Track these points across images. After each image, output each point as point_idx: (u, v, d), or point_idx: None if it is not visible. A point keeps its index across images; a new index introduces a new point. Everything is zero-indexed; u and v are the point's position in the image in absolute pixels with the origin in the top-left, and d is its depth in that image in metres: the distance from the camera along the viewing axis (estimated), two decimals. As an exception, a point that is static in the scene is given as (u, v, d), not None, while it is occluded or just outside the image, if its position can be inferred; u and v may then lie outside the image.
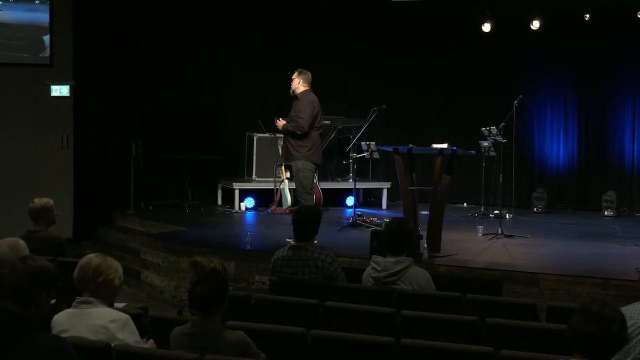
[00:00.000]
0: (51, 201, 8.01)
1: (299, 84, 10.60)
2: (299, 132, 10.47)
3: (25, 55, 13.62)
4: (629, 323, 3.92)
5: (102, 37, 13.75)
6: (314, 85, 10.72)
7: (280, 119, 10.68)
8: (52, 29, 13.56)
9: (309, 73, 10.64)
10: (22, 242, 6.07)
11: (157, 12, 14.05)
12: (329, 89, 14.66)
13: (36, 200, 7.91)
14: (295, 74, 10.63)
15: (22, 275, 4.03)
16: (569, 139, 14.95)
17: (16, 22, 13.52)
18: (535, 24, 13.82)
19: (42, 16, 13.56)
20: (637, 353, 4.59)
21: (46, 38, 13.61)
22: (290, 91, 10.68)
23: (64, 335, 4.58)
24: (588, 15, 13.63)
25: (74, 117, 13.75)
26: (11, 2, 13.48)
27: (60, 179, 13.58)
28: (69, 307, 4.80)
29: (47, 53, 13.63)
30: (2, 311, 3.92)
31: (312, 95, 10.59)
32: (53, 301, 4.24)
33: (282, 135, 13.65)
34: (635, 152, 14.43)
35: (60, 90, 13.64)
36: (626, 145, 14.50)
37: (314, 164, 10.70)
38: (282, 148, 10.79)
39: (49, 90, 13.59)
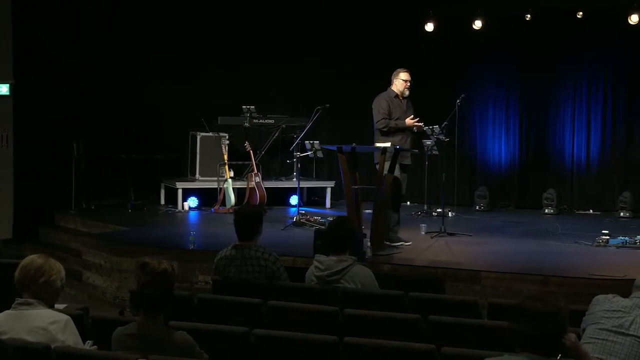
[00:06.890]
0: None
1: None
2: None
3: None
4: None
5: (43, 36, 13.52)
6: None
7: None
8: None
9: None
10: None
11: (102, 12, 13.90)
12: (274, 88, 14.74)
13: None
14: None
15: None
16: (510, 138, 15.12)
17: None
18: (478, 24, 13.96)
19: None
20: None
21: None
22: (408, 92, 10.47)
23: (3, 337, 4.51)
24: (529, 16, 13.81)
25: (14, 116, 13.54)
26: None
27: (0, 179, 13.37)
28: (8, 309, 4.74)
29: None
30: None
31: None
32: None
33: (226, 135, 13.73)
34: (574, 150, 14.66)
35: (-1, 89, 13.44)
36: (566, 144, 14.71)
37: None
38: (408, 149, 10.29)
39: (-12, 89, 13.40)
